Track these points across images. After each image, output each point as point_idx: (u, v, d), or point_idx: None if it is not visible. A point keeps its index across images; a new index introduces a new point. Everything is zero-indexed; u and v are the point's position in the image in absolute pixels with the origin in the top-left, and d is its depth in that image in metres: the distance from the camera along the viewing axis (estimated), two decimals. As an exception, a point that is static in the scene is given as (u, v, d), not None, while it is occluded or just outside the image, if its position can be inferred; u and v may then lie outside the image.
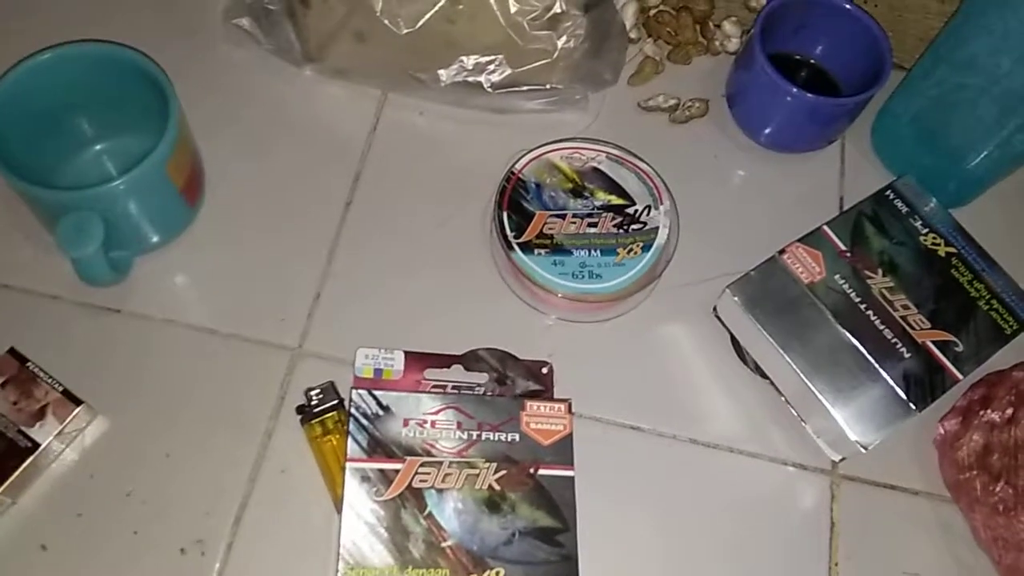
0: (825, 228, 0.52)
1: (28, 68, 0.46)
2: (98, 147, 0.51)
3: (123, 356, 0.48)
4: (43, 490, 0.45)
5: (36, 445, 0.44)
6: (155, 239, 0.49)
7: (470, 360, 0.50)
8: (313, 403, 0.47)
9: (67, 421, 0.45)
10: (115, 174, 0.51)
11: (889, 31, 0.57)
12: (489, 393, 0.48)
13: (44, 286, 0.50)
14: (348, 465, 0.42)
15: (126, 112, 0.49)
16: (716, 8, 0.62)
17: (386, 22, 0.51)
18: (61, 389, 0.45)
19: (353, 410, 0.44)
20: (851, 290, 0.50)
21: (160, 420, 0.47)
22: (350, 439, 0.43)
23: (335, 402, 0.47)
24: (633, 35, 0.60)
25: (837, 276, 0.50)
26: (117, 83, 0.47)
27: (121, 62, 0.46)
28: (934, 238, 0.53)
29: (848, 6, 0.56)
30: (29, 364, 0.46)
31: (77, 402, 0.45)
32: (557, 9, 0.52)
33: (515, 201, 0.52)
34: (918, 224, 0.53)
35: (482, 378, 0.49)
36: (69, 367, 0.47)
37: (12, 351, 0.46)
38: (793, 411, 0.50)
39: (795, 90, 0.53)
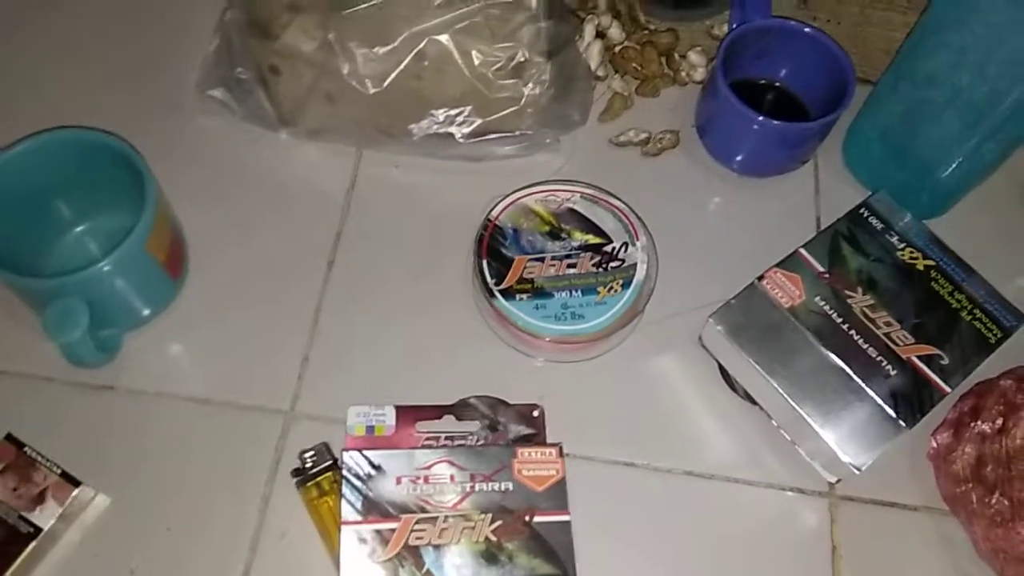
0: (802, 251, 0.53)
1: (7, 158, 0.47)
2: (79, 229, 0.52)
3: (119, 432, 0.49)
4: (49, 573, 0.46)
5: (38, 530, 0.45)
6: (142, 314, 0.50)
7: (461, 409, 0.50)
8: (308, 465, 0.48)
9: (67, 503, 0.45)
10: (97, 254, 0.52)
11: (852, 46, 0.58)
12: (482, 441, 0.49)
13: (36, 369, 0.50)
14: (343, 528, 0.43)
15: (103, 192, 0.50)
16: (680, 39, 0.63)
17: (354, 83, 0.52)
18: (59, 471, 0.46)
19: (346, 472, 0.44)
20: (832, 311, 0.51)
21: (160, 493, 0.48)
22: (343, 502, 0.43)
23: (329, 463, 0.48)
24: (600, 72, 0.61)
25: (817, 298, 0.51)
26: (93, 166, 0.48)
27: (96, 146, 0.47)
28: (911, 252, 0.53)
29: (807, 30, 0.57)
30: (26, 449, 0.46)
31: (76, 483, 0.46)
32: (520, 58, 0.53)
33: (494, 248, 0.52)
34: (894, 239, 0.53)
35: (474, 426, 0.50)
36: (66, 448, 0.47)
37: (9, 436, 0.47)
38: (786, 436, 0.50)
39: (760, 118, 0.54)
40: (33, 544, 0.44)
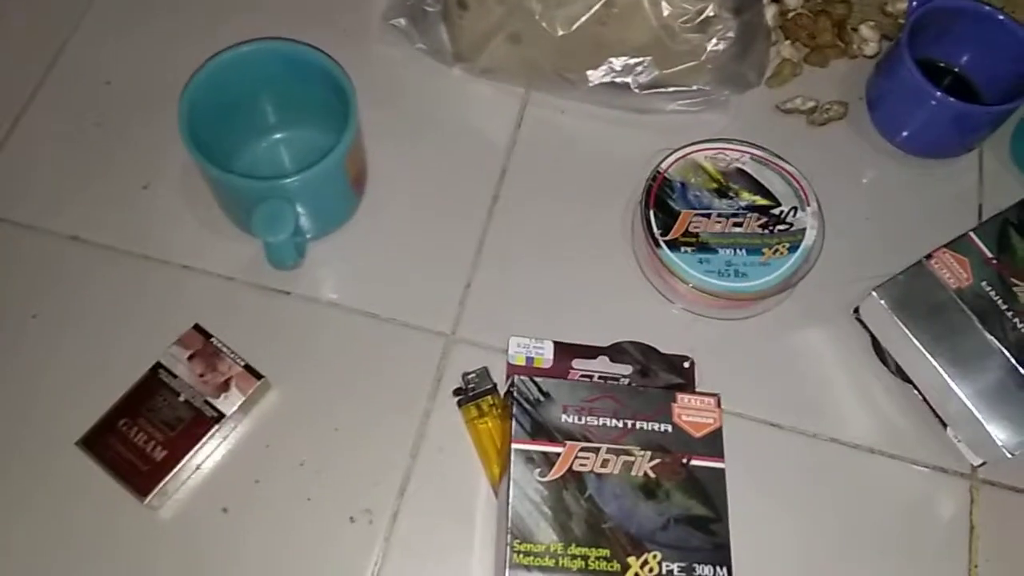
0: (971, 234, 0.52)
1: (222, 62, 0.49)
2: (276, 136, 0.55)
3: (294, 335, 0.52)
4: (224, 456, 0.49)
5: (222, 415, 0.48)
6: (327, 225, 0.53)
7: (615, 352, 0.52)
8: (470, 386, 0.50)
9: (249, 393, 0.48)
10: (288, 163, 0.55)
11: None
12: (632, 385, 0.50)
13: (220, 267, 0.53)
14: (513, 446, 0.45)
15: (303, 105, 0.52)
16: (853, 12, 0.62)
17: (544, 24, 0.53)
18: (243, 364, 0.49)
19: (516, 394, 0.46)
20: (998, 297, 0.51)
21: (328, 396, 0.50)
22: (514, 422, 0.45)
23: (490, 386, 0.50)
24: (772, 37, 0.60)
25: (983, 282, 0.51)
26: (297, 78, 0.50)
27: (308, 62, 0.49)
28: (1081, 247, 0.53)
29: (1000, 16, 0.56)
30: (213, 339, 0.49)
31: (258, 376, 0.49)
32: (709, 12, 0.53)
33: (661, 200, 0.53)
34: (1065, 232, 0.53)
35: (626, 369, 0.51)
36: (244, 343, 0.50)
37: (197, 327, 0.50)
38: (935, 415, 0.51)
39: (940, 94, 0.54)
40: (216, 428, 0.47)
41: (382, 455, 0.49)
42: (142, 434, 0.47)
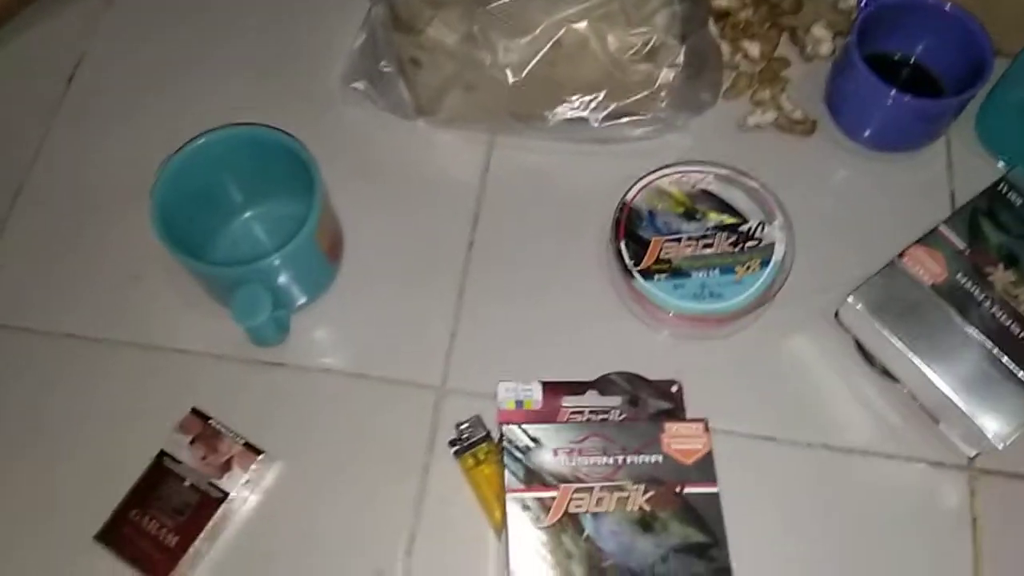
0: (942, 228, 0.53)
1: (188, 153, 0.51)
2: (247, 215, 0.56)
3: (289, 406, 0.53)
4: (234, 534, 0.50)
5: (226, 495, 0.49)
6: (309, 297, 0.54)
7: (603, 385, 0.53)
8: (464, 436, 0.51)
9: (251, 470, 0.50)
10: (264, 238, 0.56)
11: (983, 17, 0.57)
12: (624, 415, 0.51)
13: (212, 347, 0.55)
14: (508, 496, 0.46)
15: (271, 182, 0.54)
16: (804, 9, 0.62)
17: (495, 73, 0.55)
18: (243, 442, 0.50)
19: (506, 444, 0.47)
20: (974, 287, 0.51)
21: (328, 462, 0.52)
22: (507, 471, 0.46)
23: (483, 434, 0.51)
24: (722, 55, 0.61)
25: (959, 275, 0.51)
26: (264, 159, 0.52)
27: (268, 142, 0.51)
28: (1054, 227, 0.53)
29: (946, 7, 0.56)
30: (211, 421, 0.51)
31: (258, 452, 0.50)
32: (655, 43, 0.54)
33: (630, 230, 0.54)
34: (1035, 214, 0.53)
35: (616, 400, 0.52)
36: (241, 419, 0.51)
37: (195, 410, 0.52)
38: (924, 411, 0.51)
39: (895, 92, 0.54)
40: (223, 507, 0.49)
41: (387, 515, 0.50)
42: (154, 522, 0.49)
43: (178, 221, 0.50)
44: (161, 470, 0.50)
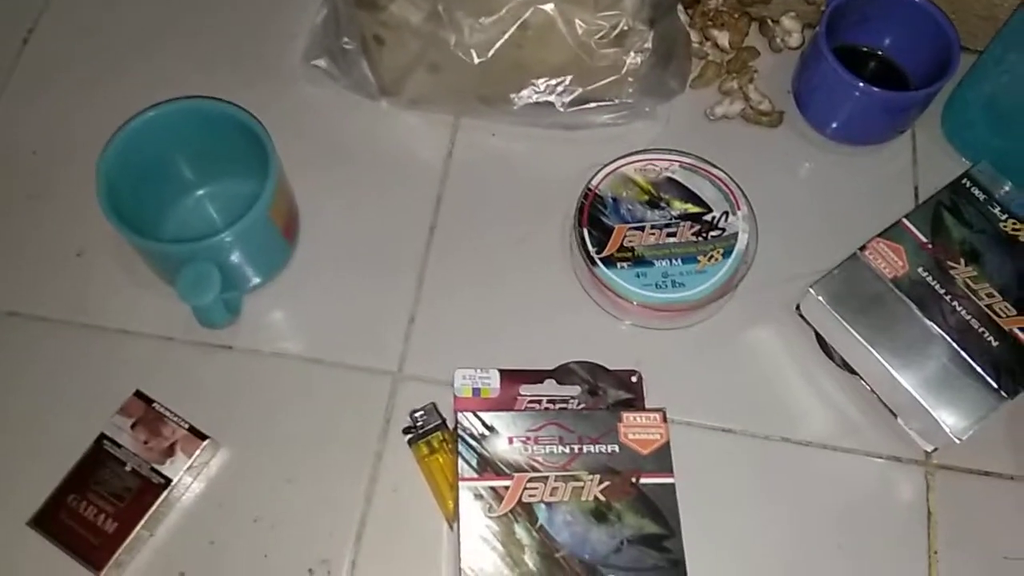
0: (904, 221, 0.53)
1: (137, 125, 0.49)
2: (199, 192, 0.54)
3: (238, 390, 0.52)
4: (177, 521, 0.49)
5: (168, 481, 0.47)
6: (260, 277, 0.52)
7: (562, 374, 0.52)
8: (418, 424, 0.50)
9: (195, 456, 0.48)
10: (216, 217, 0.54)
11: (951, 12, 0.57)
12: (582, 404, 0.50)
13: (158, 329, 0.53)
14: (460, 484, 0.45)
15: (223, 158, 0.52)
16: (774, 1, 0.62)
17: (459, 54, 0.53)
18: (187, 426, 0.49)
19: (460, 431, 0.46)
20: (935, 282, 0.51)
21: (278, 448, 0.50)
22: (460, 459, 0.45)
23: (438, 423, 0.50)
24: (691, 43, 0.60)
25: (920, 269, 0.51)
26: (215, 134, 0.50)
27: (220, 116, 0.49)
28: (1014, 224, 0.53)
29: (915, 1, 0.56)
30: (155, 404, 0.49)
31: (203, 437, 0.48)
32: (623, 27, 0.53)
33: (594, 217, 0.53)
34: (996, 211, 0.53)
35: (575, 390, 0.51)
36: (189, 403, 0.50)
37: (138, 393, 0.50)
38: (883, 405, 0.51)
39: (862, 85, 0.54)
40: (165, 494, 0.47)
41: (336, 502, 0.49)
42: (92, 508, 0.47)
43: (125, 196, 0.48)
44: (101, 454, 0.48)
